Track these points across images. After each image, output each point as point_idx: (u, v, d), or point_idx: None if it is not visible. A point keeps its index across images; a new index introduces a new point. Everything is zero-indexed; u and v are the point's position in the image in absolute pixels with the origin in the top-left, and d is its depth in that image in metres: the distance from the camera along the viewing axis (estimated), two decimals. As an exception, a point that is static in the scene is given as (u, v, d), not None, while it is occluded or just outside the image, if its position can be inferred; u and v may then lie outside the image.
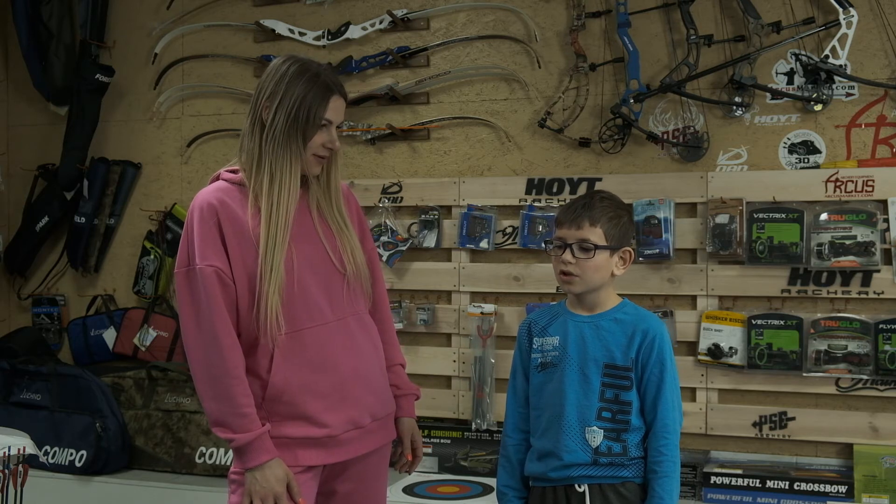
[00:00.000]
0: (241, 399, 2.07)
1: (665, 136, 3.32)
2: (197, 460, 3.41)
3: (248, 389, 2.09)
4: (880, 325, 3.01)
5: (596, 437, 2.16)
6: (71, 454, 3.44)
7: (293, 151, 2.14)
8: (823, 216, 3.08)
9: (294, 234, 2.15)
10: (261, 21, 3.77)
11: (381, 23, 3.65)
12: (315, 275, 2.18)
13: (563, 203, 3.34)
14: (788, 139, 3.21)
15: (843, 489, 2.94)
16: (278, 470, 2.08)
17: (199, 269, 2.08)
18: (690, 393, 3.21)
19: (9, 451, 2.73)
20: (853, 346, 3.04)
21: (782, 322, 3.11)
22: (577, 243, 2.17)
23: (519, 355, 2.32)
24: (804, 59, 3.15)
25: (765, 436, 3.15)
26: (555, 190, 3.40)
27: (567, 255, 2.17)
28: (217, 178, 2.23)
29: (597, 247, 2.16)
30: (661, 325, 2.21)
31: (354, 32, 3.68)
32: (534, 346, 2.27)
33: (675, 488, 2.15)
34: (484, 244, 3.44)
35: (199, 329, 2.08)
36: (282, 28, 3.76)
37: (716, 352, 3.18)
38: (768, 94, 3.21)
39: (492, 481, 3.24)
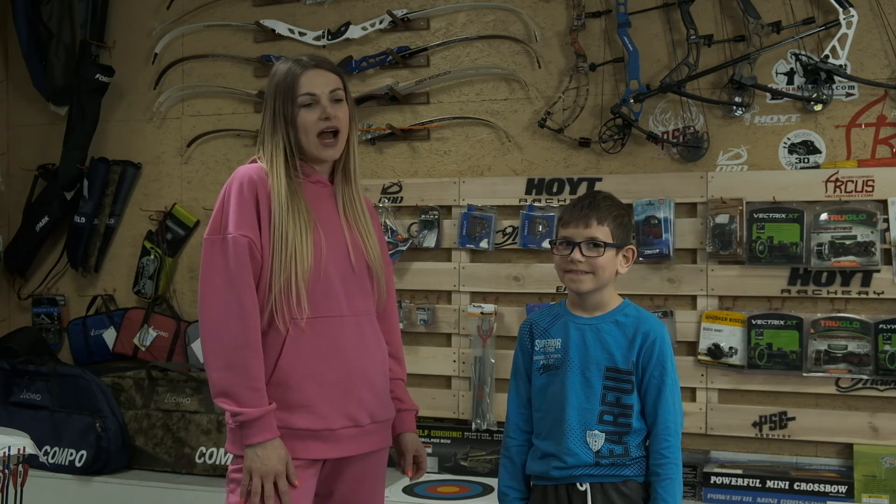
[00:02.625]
0: (255, 372, 2.08)
1: (665, 136, 3.32)
2: (197, 460, 3.41)
3: (262, 364, 2.10)
4: (880, 325, 3.01)
5: (597, 440, 2.16)
6: (71, 454, 3.44)
7: (276, 142, 2.19)
8: (823, 216, 3.08)
9: (323, 224, 2.19)
10: (261, 21, 3.77)
11: (381, 23, 3.65)
12: (338, 266, 2.20)
13: (563, 203, 3.35)
14: (788, 139, 3.21)
15: (843, 489, 2.94)
16: (280, 450, 2.09)
17: (232, 238, 2.10)
18: (690, 393, 3.21)
19: (9, 451, 2.73)
20: (853, 346, 3.04)
21: (782, 322, 3.11)
22: (586, 241, 2.18)
23: (521, 356, 2.32)
24: (804, 59, 3.15)
25: (765, 436, 3.15)
26: (555, 190, 3.40)
27: (576, 254, 2.18)
28: (255, 161, 2.25)
29: (605, 244, 2.17)
30: (661, 327, 2.21)
31: (354, 32, 3.68)
32: (536, 348, 2.27)
33: (677, 490, 2.15)
34: (484, 244, 3.44)
35: (225, 297, 2.08)
36: (282, 28, 3.76)
37: (716, 352, 3.18)
38: (768, 94, 3.21)
39: (492, 481, 3.25)
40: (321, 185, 2.25)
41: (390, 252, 3.45)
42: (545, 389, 2.23)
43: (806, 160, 3.19)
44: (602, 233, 2.18)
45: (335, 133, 2.21)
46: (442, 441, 3.45)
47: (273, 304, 2.12)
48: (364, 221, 2.27)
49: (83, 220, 4.00)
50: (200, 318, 2.14)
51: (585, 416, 2.17)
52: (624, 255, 2.22)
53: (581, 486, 2.17)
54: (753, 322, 3.13)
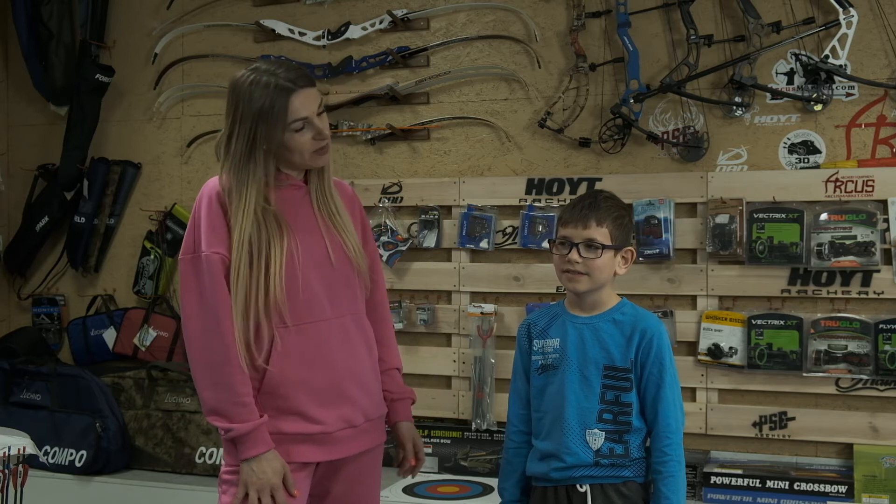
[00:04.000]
0: (241, 388, 2.08)
1: (665, 136, 3.32)
2: (197, 460, 3.41)
3: (248, 379, 2.09)
4: (880, 325, 3.01)
5: (597, 439, 2.16)
6: (71, 454, 3.44)
7: (252, 174, 2.12)
8: (823, 216, 3.08)
9: (298, 229, 2.17)
10: (261, 21, 3.77)
11: (381, 23, 3.65)
12: (317, 270, 2.18)
13: (563, 203, 3.35)
14: (788, 139, 3.21)
15: (843, 489, 2.94)
16: (275, 462, 2.08)
17: (205, 256, 2.09)
18: (690, 393, 3.21)
19: (9, 451, 2.73)
20: (853, 346, 3.04)
21: (782, 322, 3.11)
22: (584, 242, 2.17)
23: (519, 356, 2.32)
24: (804, 59, 3.15)
25: (765, 436, 3.15)
26: (555, 190, 3.40)
27: (574, 255, 2.17)
28: None
29: (603, 246, 2.17)
30: (659, 325, 2.21)
31: (354, 32, 3.68)
32: (534, 348, 2.27)
33: (680, 488, 2.14)
34: (484, 244, 3.44)
35: (203, 316, 2.08)
36: (282, 28, 3.75)
37: (716, 352, 3.18)
38: (768, 94, 3.21)
39: (492, 481, 3.25)
40: (295, 187, 2.22)
41: (390, 252, 3.45)
42: (543, 389, 2.23)
43: (806, 160, 3.19)
44: (600, 234, 2.17)
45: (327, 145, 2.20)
46: (442, 441, 3.45)
47: (252, 314, 2.11)
48: (340, 217, 2.25)
49: (83, 220, 4.00)
50: (184, 337, 2.15)
51: (585, 414, 2.17)
52: (623, 257, 2.22)
53: (581, 487, 2.17)
54: (753, 322, 3.13)
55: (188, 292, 2.12)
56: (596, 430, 2.16)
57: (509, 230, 3.45)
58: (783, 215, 3.12)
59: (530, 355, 2.28)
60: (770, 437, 3.15)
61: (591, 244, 2.17)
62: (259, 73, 2.13)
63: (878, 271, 3.04)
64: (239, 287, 2.10)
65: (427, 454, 3.39)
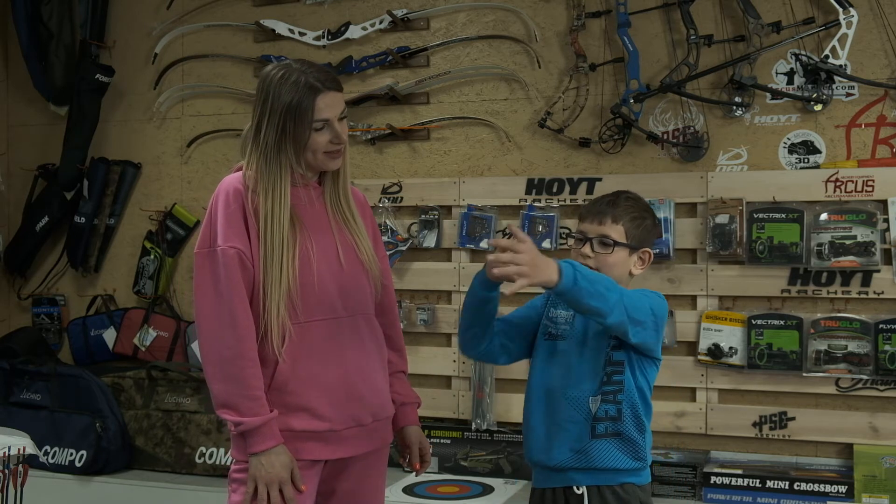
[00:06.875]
0: (252, 381, 2.08)
1: (665, 136, 3.32)
2: (197, 460, 3.41)
3: (259, 373, 2.10)
4: (880, 325, 3.01)
5: (595, 403, 2.16)
6: (71, 454, 3.44)
7: (283, 165, 2.16)
8: (823, 216, 3.08)
9: (312, 229, 2.19)
10: (261, 21, 3.77)
11: (381, 23, 3.65)
12: (330, 269, 2.20)
13: (563, 203, 3.36)
14: (788, 139, 3.21)
15: (843, 489, 2.94)
16: (284, 456, 2.09)
17: (221, 250, 2.10)
18: (690, 393, 3.21)
19: (9, 451, 2.73)
20: (853, 346, 3.04)
21: (782, 322, 3.11)
22: (598, 238, 2.20)
23: (528, 307, 2.32)
24: (804, 59, 3.15)
25: (765, 436, 3.15)
26: (555, 190, 3.40)
27: (586, 249, 2.20)
28: (240, 169, 2.25)
29: (616, 243, 2.18)
30: (658, 294, 2.21)
31: (354, 32, 3.68)
32: (548, 314, 2.28)
33: (596, 281, 2.01)
34: (484, 244, 3.44)
35: (217, 309, 2.09)
36: (282, 28, 3.76)
37: (716, 352, 3.18)
38: (768, 94, 3.21)
39: (492, 481, 3.26)
40: (311, 187, 2.24)
41: (390, 252, 3.45)
42: (548, 358, 2.23)
43: (806, 160, 3.19)
44: (615, 232, 2.19)
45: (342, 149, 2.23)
46: (442, 441, 3.45)
47: (266, 315, 2.12)
48: (353, 219, 2.27)
49: (83, 220, 3.99)
50: (197, 331, 2.16)
51: (586, 383, 2.16)
52: (640, 257, 2.24)
53: (578, 489, 2.17)
54: (753, 322, 3.13)
55: (203, 286, 2.12)
56: (598, 397, 2.16)
57: (509, 230, 3.45)
58: (783, 215, 3.12)
59: (541, 317, 2.28)
60: (770, 437, 3.15)
61: (604, 240, 2.19)
62: (290, 69, 2.17)
63: (878, 271, 3.04)
64: (258, 278, 2.12)
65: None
